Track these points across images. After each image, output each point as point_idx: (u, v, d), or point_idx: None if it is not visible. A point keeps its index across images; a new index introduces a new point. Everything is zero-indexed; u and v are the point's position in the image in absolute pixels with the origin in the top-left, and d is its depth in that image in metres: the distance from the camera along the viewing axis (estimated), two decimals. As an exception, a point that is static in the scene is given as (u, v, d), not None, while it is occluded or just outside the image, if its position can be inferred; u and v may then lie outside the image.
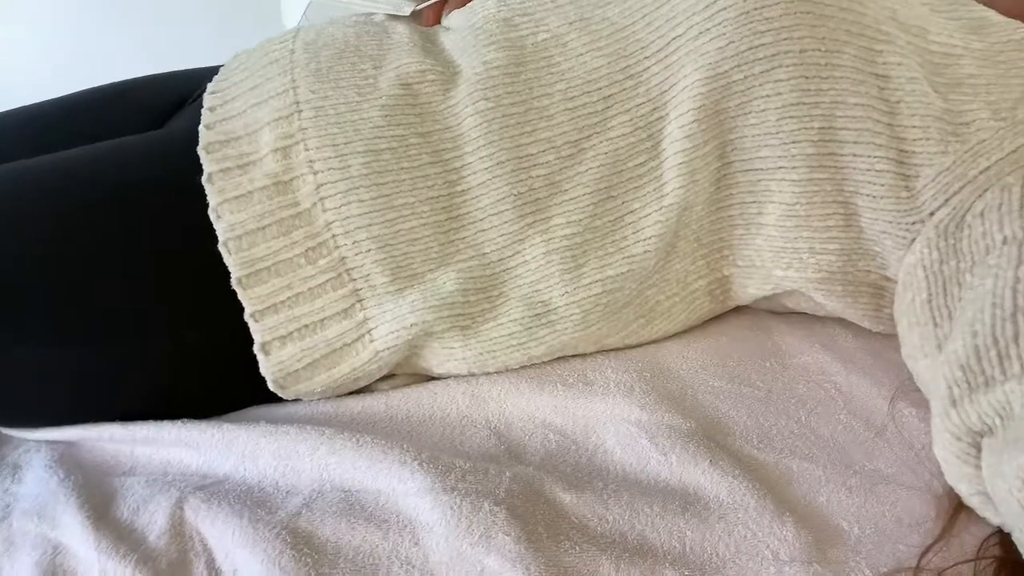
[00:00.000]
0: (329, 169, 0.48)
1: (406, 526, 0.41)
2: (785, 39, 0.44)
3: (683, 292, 0.51)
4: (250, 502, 0.43)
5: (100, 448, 0.49)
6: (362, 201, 0.48)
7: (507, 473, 0.42)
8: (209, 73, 0.68)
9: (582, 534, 0.40)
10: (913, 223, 0.45)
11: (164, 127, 0.62)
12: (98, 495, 0.45)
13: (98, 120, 0.65)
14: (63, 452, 0.49)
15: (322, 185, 0.48)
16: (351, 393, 0.51)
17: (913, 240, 0.45)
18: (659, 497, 0.41)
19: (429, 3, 0.59)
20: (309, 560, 0.40)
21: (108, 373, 0.49)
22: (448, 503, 0.40)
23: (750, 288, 0.51)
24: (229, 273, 0.47)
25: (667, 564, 0.38)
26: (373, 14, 0.60)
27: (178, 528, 0.42)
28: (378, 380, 0.52)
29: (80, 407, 0.50)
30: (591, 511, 0.41)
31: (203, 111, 0.52)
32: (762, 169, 0.48)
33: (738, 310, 0.55)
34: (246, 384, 0.50)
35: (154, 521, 0.43)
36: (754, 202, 0.49)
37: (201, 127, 0.50)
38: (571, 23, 0.49)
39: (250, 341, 0.48)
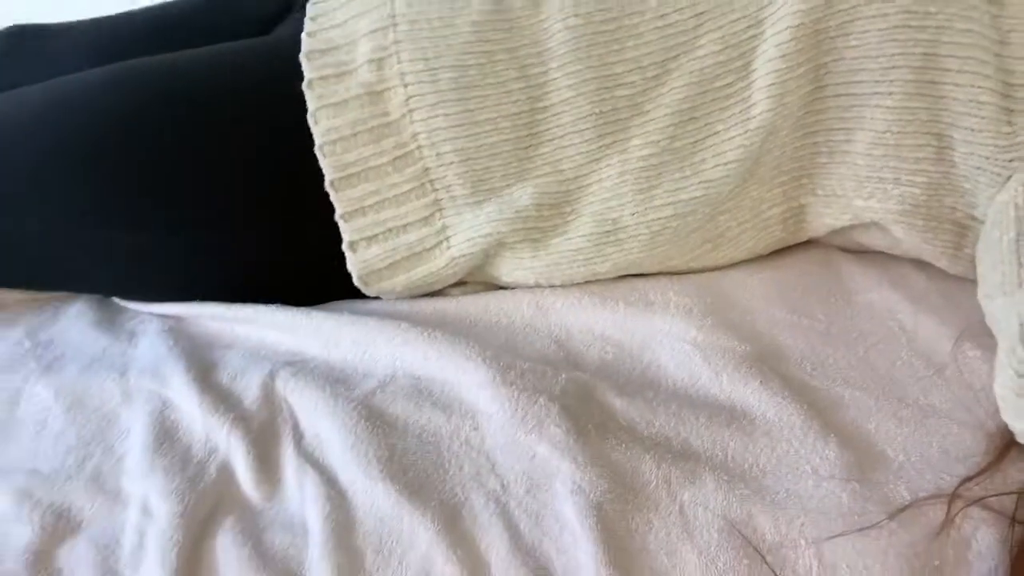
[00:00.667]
0: (419, 82, 0.50)
1: (468, 412, 0.45)
2: None
3: (755, 220, 0.52)
4: (332, 379, 0.48)
5: (204, 323, 0.55)
6: (448, 115, 0.50)
7: (563, 375, 0.45)
8: None
9: (629, 435, 0.42)
10: (1011, 160, 0.44)
11: (271, 34, 0.66)
12: (202, 362, 0.51)
13: (208, 24, 0.69)
14: (172, 324, 0.56)
15: (412, 97, 0.50)
16: (425, 295, 0.55)
17: (1008, 178, 0.44)
18: (706, 410, 0.43)
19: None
20: (380, 431, 0.44)
21: (215, 259, 0.54)
22: (507, 395, 0.44)
23: (827, 218, 0.51)
24: (323, 175, 0.51)
25: (707, 469, 0.40)
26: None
27: (269, 395, 0.48)
28: (451, 285, 0.55)
29: (189, 287, 0.56)
30: (639, 415, 0.43)
31: (306, 20, 0.55)
32: (856, 94, 0.47)
33: (807, 244, 0.55)
34: (333, 280, 0.55)
35: (249, 387, 0.48)
36: (843, 128, 0.48)
37: (304, 35, 0.53)
38: None
39: (339, 240, 0.53)
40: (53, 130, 0.53)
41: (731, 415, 0.43)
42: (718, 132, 0.48)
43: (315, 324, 0.52)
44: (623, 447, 0.41)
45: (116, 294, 0.59)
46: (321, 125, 0.51)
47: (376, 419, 0.45)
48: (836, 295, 0.50)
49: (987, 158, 0.45)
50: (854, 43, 0.45)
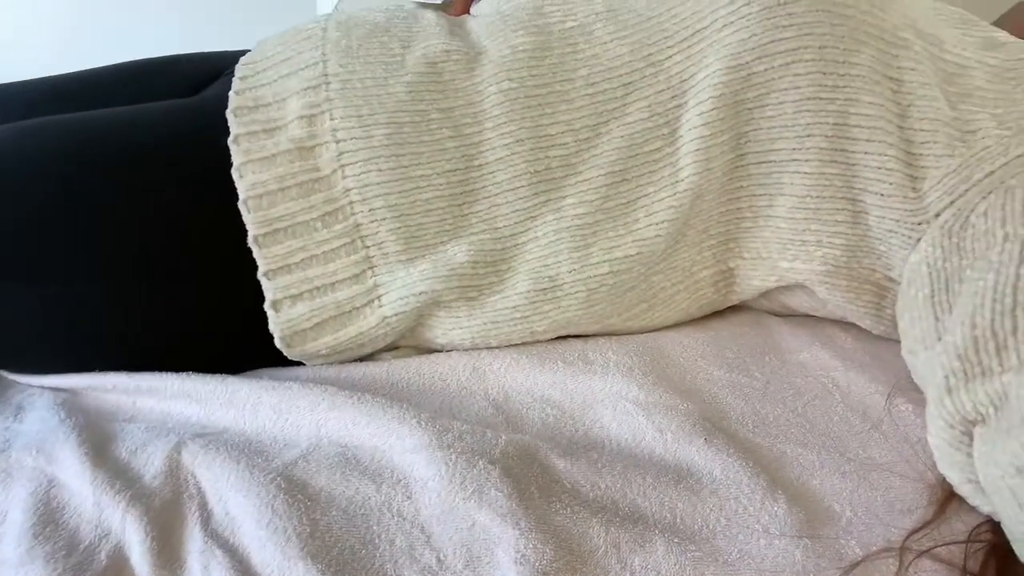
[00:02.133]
0: (352, 139, 0.49)
1: (400, 480, 0.41)
2: (806, 35, 0.46)
3: (687, 281, 0.52)
4: (249, 451, 0.44)
5: (103, 396, 0.50)
6: (381, 170, 0.49)
7: (503, 437, 0.43)
8: (240, 55, 0.71)
9: (574, 497, 0.40)
10: (919, 223, 0.46)
11: (196, 96, 0.65)
12: (97, 436, 0.46)
13: (124, 93, 0.67)
14: (66, 398, 0.50)
15: (344, 153, 0.49)
16: (353, 360, 0.52)
17: (919, 240, 0.46)
18: (652, 470, 0.42)
19: (455, -7, 0.61)
20: (302, 506, 0.40)
21: (117, 320, 0.50)
22: (443, 459, 0.41)
23: (754, 280, 0.52)
24: (245, 232, 0.49)
25: (657, 531, 0.38)
26: (403, 4, 0.62)
27: (174, 470, 0.43)
28: (381, 350, 0.52)
29: (93, 351, 0.51)
30: (584, 477, 0.41)
31: (234, 80, 0.54)
32: (775, 161, 0.49)
33: (738, 308, 0.56)
34: (252, 344, 0.51)
35: (151, 463, 0.43)
36: (765, 194, 0.50)
37: (231, 93, 0.52)
38: (598, 13, 0.52)
39: (260, 300, 0.50)
40: None
41: (678, 475, 0.41)
42: (649, 194, 0.50)
43: (230, 391, 0.48)
44: (568, 511, 0.39)
45: (4, 363, 0.53)
46: (246, 179, 0.49)
47: (297, 492, 0.41)
48: (770, 354, 0.51)
49: (897, 221, 0.47)
50: (770, 113, 0.48)
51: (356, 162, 0.49)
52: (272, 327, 0.49)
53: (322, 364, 0.52)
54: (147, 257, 0.49)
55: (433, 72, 0.51)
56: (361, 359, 0.52)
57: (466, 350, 0.51)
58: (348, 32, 0.54)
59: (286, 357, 0.52)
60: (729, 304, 0.55)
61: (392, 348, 0.53)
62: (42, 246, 0.48)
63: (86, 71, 0.70)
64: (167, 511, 0.41)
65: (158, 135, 0.52)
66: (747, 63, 0.47)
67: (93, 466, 0.42)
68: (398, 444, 0.42)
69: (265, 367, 0.53)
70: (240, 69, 0.55)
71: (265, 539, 0.38)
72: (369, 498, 0.41)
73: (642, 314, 0.52)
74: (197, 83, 0.69)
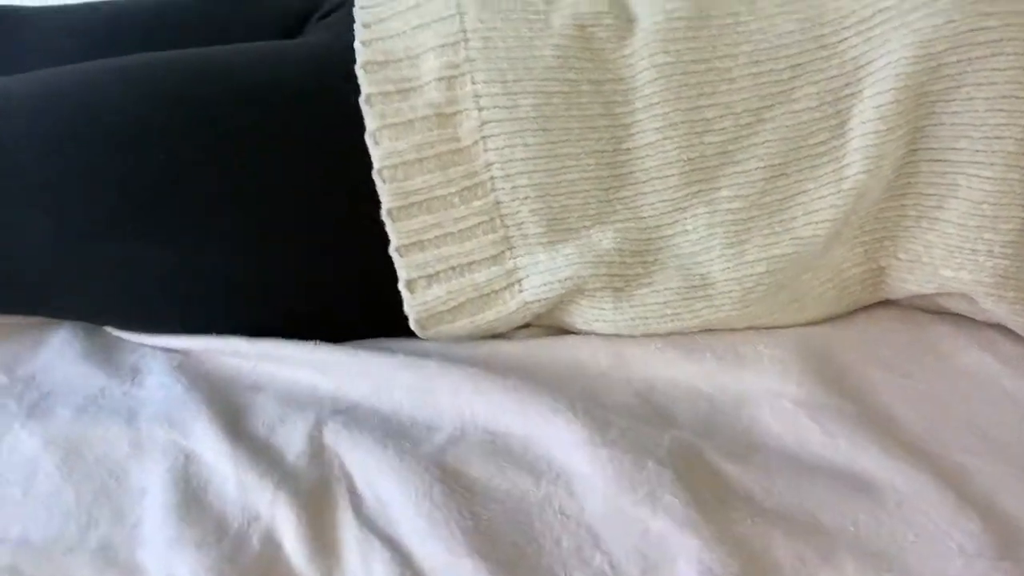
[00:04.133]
0: (496, 107, 0.45)
1: (559, 476, 0.39)
2: (1011, 24, 0.42)
3: (836, 279, 0.49)
4: (390, 432, 0.42)
5: (221, 360, 0.48)
6: (527, 145, 0.45)
7: (666, 435, 0.40)
8: None
9: (749, 506, 0.38)
10: None
11: (302, 36, 0.60)
12: (229, 408, 0.44)
13: (212, 22, 0.63)
14: (182, 360, 0.48)
15: (487, 123, 0.45)
16: (485, 337, 0.49)
17: None
18: (824, 477, 0.39)
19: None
20: (460, 497, 0.38)
21: (238, 284, 0.47)
22: (608, 458, 0.38)
23: (909, 284, 0.49)
24: (376, 200, 0.46)
25: (842, 546, 0.36)
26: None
27: (318, 450, 0.41)
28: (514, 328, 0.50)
29: (207, 315, 0.48)
30: (757, 484, 0.39)
31: (357, 26, 0.49)
32: (953, 161, 0.45)
33: (885, 303, 0.53)
34: (378, 316, 0.49)
35: (292, 441, 0.41)
36: (935, 195, 0.46)
37: (357, 43, 0.48)
38: None
39: (388, 274, 0.47)
40: (61, 129, 0.45)
41: (854, 484, 0.39)
42: (808, 190, 0.45)
43: (362, 365, 0.45)
44: (748, 521, 0.36)
45: (113, 321, 0.50)
46: (382, 147, 0.45)
47: (452, 482, 0.39)
48: (929, 355, 0.48)
49: None
50: (956, 109, 0.43)
51: (500, 134, 0.45)
52: (407, 308, 0.46)
53: (448, 341, 0.49)
54: (277, 218, 0.46)
55: (583, 37, 0.46)
56: (492, 336, 0.49)
57: (606, 335, 0.48)
58: None
59: (407, 328, 0.50)
60: (874, 301, 0.52)
61: (525, 326, 0.50)
62: (169, 207, 0.45)
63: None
64: (316, 495, 0.39)
65: (280, 88, 0.48)
66: (939, 52, 0.42)
67: (232, 442, 0.40)
68: (555, 436, 0.40)
69: (389, 338, 0.51)
70: (360, 14, 0.50)
71: (426, 531, 0.36)
72: (528, 492, 0.39)
73: (793, 313, 0.49)
74: (287, 19, 0.64)
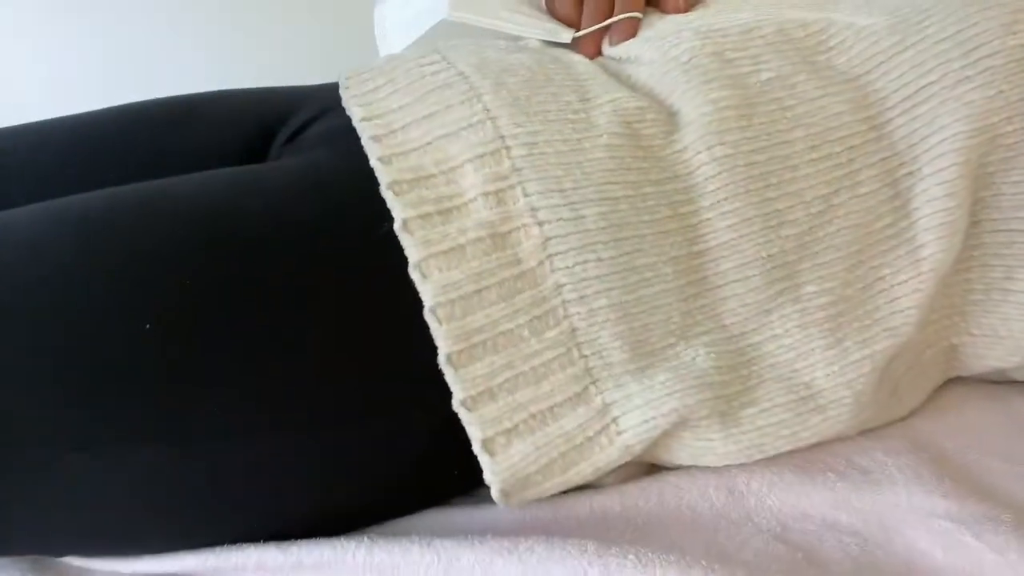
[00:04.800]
0: (559, 220, 0.39)
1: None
2: None
3: (916, 362, 0.46)
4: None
5: (240, 583, 0.36)
6: (600, 260, 0.39)
7: (846, 592, 0.34)
8: (293, 96, 0.58)
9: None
10: None
11: (279, 160, 0.51)
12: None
13: (161, 139, 0.53)
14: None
15: (550, 239, 0.38)
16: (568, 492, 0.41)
17: None
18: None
19: (592, 29, 0.51)
20: None
21: (252, 477, 0.37)
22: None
23: (989, 360, 0.46)
24: (423, 346, 0.37)
25: None
26: (521, 39, 0.52)
27: None
28: (599, 473, 0.42)
29: (219, 521, 0.37)
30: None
31: (365, 141, 0.41)
32: (1017, 230, 0.43)
33: (955, 380, 0.50)
34: (428, 487, 0.40)
35: None
36: (1001, 265, 0.44)
37: (374, 160, 0.40)
38: (794, 64, 0.43)
39: (439, 433, 0.38)
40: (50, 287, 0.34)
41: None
42: (884, 276, 0.42)
43: (444, 561, 0.35)
44: None
45: (94, 543, 0.38)
46: (433, 281, 0.37)
47: None
48: (1030, 434, 0.45)
49: None
50: (1016, 178, 0.42)
51: (568, 251, 0.38)
52: (489, 477, 0.37)
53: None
54: (303, 395, 0.36)
55: (631, 134, 0.41)
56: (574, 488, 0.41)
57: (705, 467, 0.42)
58: (500, 79, 0.43)
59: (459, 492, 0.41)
60: (946, 379, 0.49)
61: (607, 469, 0.42)
62: (169, 397, 0.34)
63: (105, 111, 0.55)
64: None
65: (299, 223, 0.39)
66: (993, 124, 0.41)
67: None
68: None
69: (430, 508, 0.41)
70: (368, 127, 0.42)
71: None
72: None
73: (894, 408, 0.44)
74: (246, 134, 0.55)
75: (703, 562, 0.34)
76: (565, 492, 0.41)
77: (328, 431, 0.37)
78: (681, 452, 0.41)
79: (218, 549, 0.37)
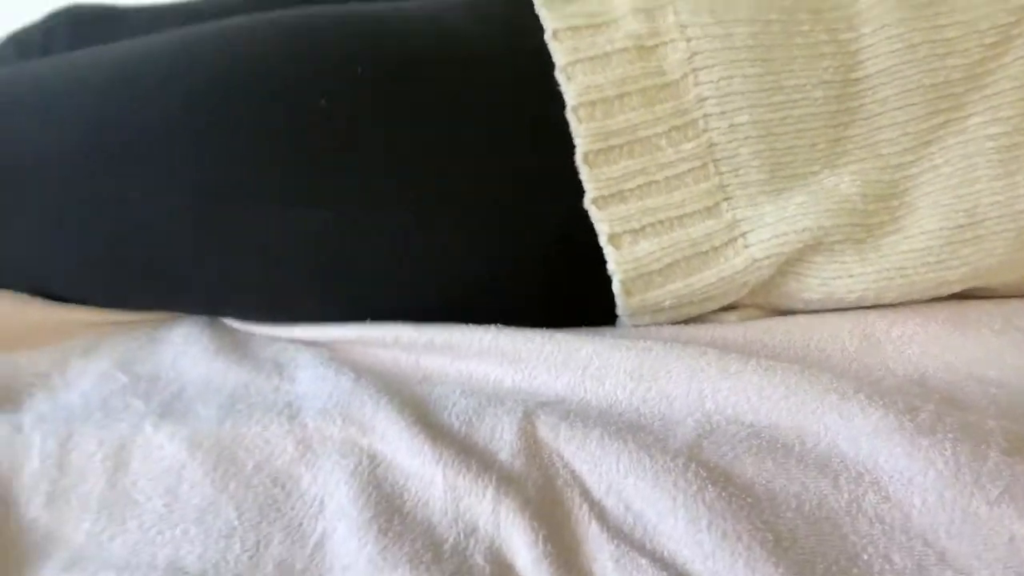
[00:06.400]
0: (707, 36, 0.39)
1: (863, 474, 0.30)
2: None
3: None
4: (623, 427, 0.33)
5: (377, 353, 0.40)
6: (747, 77, 0.38)
7: (990, 422, 0.31)
8: None
9: None
10: None
11: None
12: (411, 401, 0.35)
13: None
14: (331, 355, 0.40)
15: (697, 54, 0.38)
16: (688, 323, 0.41)
17: None
18: None
19: None
20: (742, 503, 0.29)
21: (402, 253, 0.40)
22: (934, 448, 0.29)
23: None
24: (566, 148, 0.38)
25: None
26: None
27: (534, 448, 0.32)
28: (719, 311, 0.42)
29: (360, 296, 0.41)
30: None
31: None
32: None
33: None
34: (566, 292, 0.41)
35: (499, 436, 0.33)
36: None
37: None
38: None
39: (579, 238, 0.39)
40: (207, 81, 0.39)
41: None
42: None
43: (564, 350, 0.37)
44: None
45: (245, 306, 0.43)
46: (576, 82, 0.38)
47: (726, 485, 0.30)
48: None
49: None
50: None
51: (714, 65, 0.38)
52: (612, 267, 0.38)
53: (648, 323, 0.41)
54: (448, 177, 0.39)
55: None
56: (698, 321, 0.41)
57: (842, 309, 0.40)
58: None
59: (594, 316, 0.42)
60: None
61: (730, 308, 0.42)
62: (330, 165, 0.38)
63: None
64: (547, 502, 0.30)
65: (444, 36, 0.41)
66: None
67: (429, 439, 0.32)
68: (843, 426, 0.31)
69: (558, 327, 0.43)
70: None
71: (711, 546, 0.27)
72: (826, 496, 0.30)
73: None
74: None
75: (864, 385, 0.33)
76: (687, 322, 0.41)
77: (470, 210, 0.39)
78: (811, 278, 0.39)
79: (360, 324, 0.41)
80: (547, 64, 0.39)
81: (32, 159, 0.40)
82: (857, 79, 0.39)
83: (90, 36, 0.59)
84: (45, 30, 0.61)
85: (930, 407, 0.32)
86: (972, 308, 0.39)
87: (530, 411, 0.34)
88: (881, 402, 0.31)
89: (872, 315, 0.39)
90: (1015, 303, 0.40)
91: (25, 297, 0.43)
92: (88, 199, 0.39)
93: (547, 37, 0.39)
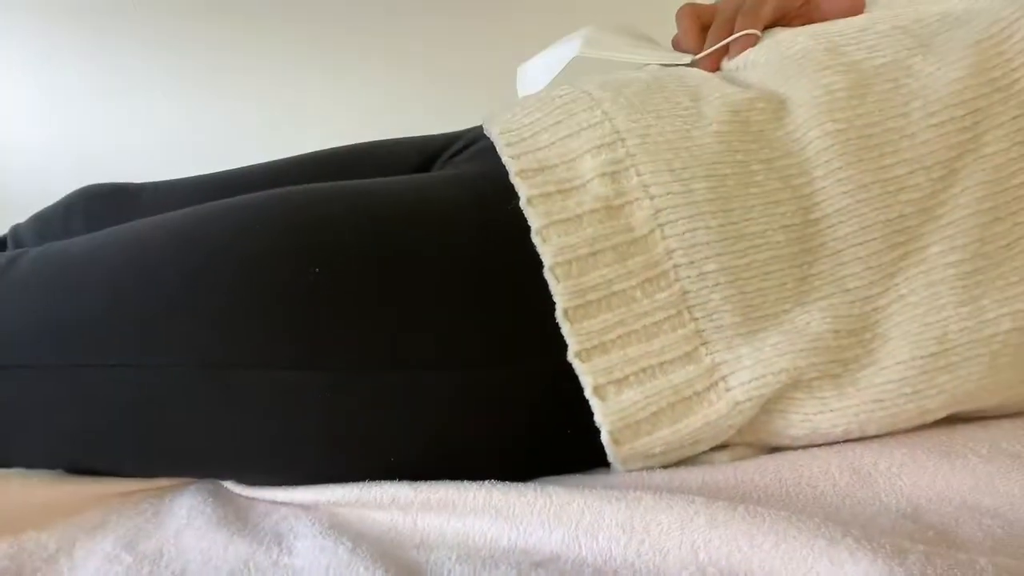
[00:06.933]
0: (669, 193, 0.42)
1: (860, 626, 0.30)
2: None
3: None
4: (615, 586, 0.33)
5: (372, 515, 0.40)
6: (709, 228, 0.41)
7: (981, 560, 0.31)
8: (449, 135, 0.66)
9: None
10: None
11: (443, 172, 0.59)
12: (405, 571, 0.36)
13: (347, 171, 0.62)
14: (329, 520, 0.40)
15: (661, 210, 0.42)
16: (681, 465, 0.42)
17: None
18: None
19: (711, 50, 0.55)
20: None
21: (391, 415, 0.41)
22: (925, 594, 0.29)
23: None
24: (543, 305, 0.41)
25: None
26: (646, 65, 0.57)
27: (529, 616, 0.32)
28: (710, 451, 0.42)
29: (356, 457, 0.42)
30: None
31: (500, 148, 0.47)
32: None
33: None
34: (554, 445, 0.42)
35: (494, 605, 0.33)
36: None
37: (507, 159, 0.46)
38: (910, 48, 0.44)
39: (564, 393, 0.41)
40: (205, 256, 0.42)
41: None
42: None
43: (556, 505, 0.37)
44: None
45: (246, 473, 0.44)
46: (551, 244, 0.41)
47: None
48: None
49: None
50: None
51: (677, 219, 0.41)
52: (599, 419, 0.39)
53: (640, 468, 0.42)
54: (442, 338, 0.41)
55: (739, 121, 0.44)
56: (688, 464, 0.42)
57: (828, 444, 0.41)
58: (618, 91, 0.48)
59: (584, 461, 0.42)
60: None
61: (722, 447, 0.43)
62: (325, 327, 0.40)
63: (293, 158, 0.66)
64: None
65: (429, 209, 0.45)
66: None
67: (424, 612, 0.32)
68: (834, 573, 0.31)
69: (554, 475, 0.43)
70: (503, 137, 0.48)
71: None
72: (824, 653, 0.29)
73: None
74: (410, 166, 0.64)
75: (852, 529, 0.33)
76: (678, 465, 0.42)
77: (457, 372, 0.41)
78: (793, 415, 0.40)
79: (360, 484, 0.42)
80: (524, 228, 0.42)
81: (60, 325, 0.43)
82: (816, 219, 0.42)
83: (105, 212, 0.64)
84: (67, 204, 0.66)
85: (920, 548, 0.31)
86: (958, 434, 0.40)
87: (524, 574, 0.34)
88: (870, 546, 0.31)
89: (859, 448, 0.40)
90: (1002, 425, 0.41)
91: (33, 475, 0.44)
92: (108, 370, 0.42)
93: (522, 203, 0.43)
